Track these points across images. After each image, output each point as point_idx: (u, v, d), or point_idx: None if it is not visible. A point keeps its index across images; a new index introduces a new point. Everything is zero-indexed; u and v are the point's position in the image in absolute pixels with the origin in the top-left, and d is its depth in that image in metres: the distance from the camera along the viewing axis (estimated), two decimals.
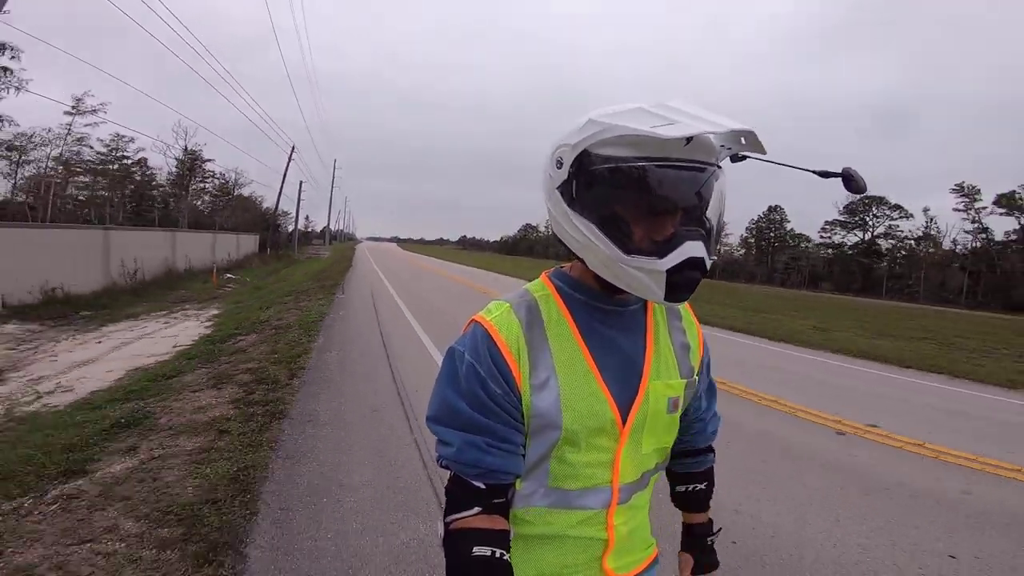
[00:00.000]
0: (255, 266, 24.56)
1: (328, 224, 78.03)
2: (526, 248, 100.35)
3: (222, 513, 2.44)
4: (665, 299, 0.72)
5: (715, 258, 0.76)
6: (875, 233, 43.83)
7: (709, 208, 0.73)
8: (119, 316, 9.81)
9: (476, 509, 0.76)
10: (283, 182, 34.17)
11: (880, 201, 43.30)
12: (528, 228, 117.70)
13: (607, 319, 0.82)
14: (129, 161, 28.25)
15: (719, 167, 0.73)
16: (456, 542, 0.75)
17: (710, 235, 0.74)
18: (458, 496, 0.77)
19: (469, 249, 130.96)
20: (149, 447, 3.17)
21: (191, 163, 32.29)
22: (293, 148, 34.65)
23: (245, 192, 39.27)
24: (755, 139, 0.69)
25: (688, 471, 1.00)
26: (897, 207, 42.91)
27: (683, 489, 1.01)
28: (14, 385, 5.32)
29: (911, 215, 42.31)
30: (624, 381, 0.80)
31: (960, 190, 37.76)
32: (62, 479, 2.74)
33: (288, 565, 2.16)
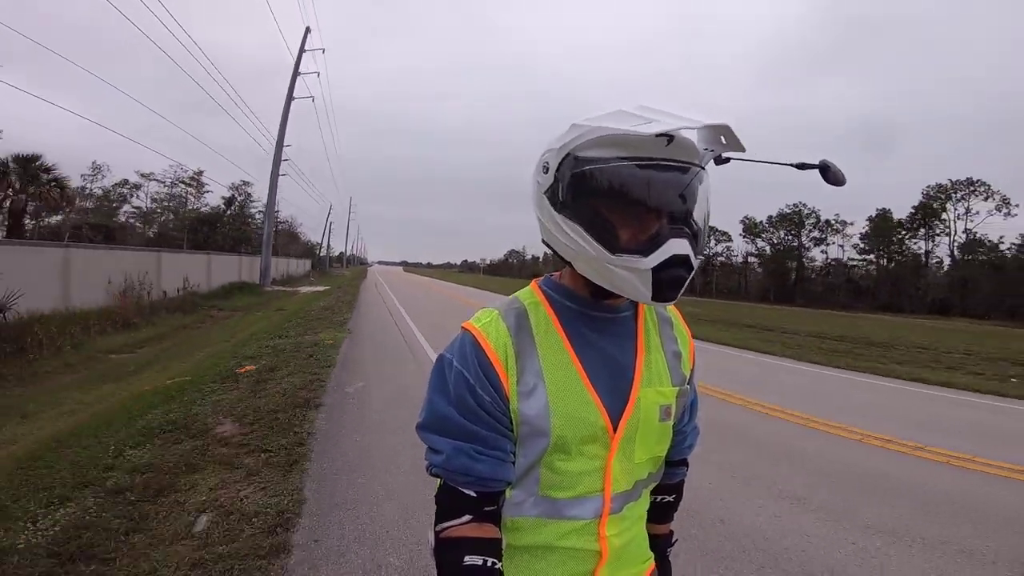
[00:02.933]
0: (314, 276, 46.46)
1: (345, 251, 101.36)
2: (505, 270, 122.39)
3: (347, 307, 24.09)
4: (653, 299, 0.72)
5: (701, 258, 0.76)
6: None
7: (693, 208, 0.74)
8: (298, 286, 31.52)
9: (467, 517, 0.76)
10: (324, 230, 56.64)
11: (713, 230, 65.02)
12: (512, 252, 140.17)
13: (597, 326, 0.82)
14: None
15: (702, 168, 0.74)
16: (447, 551, 0.75)
17: (696, 235, 0.74)
18: (448, 504, 0.77)
19: (467, 272, 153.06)
20: (333, 296, 24.93)
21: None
22: (331, 207, 57.44)
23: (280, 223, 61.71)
24: (733, 136, 0.70)
25: (659, 482, 0.95)
26: (724, 233, 64.25)
27: (652, 499, 0.97)
28: (304, 291, 27.11)
29: (731, 239, 63.61)
30: (614, 388, 0.80)
31: (744, 223, 59.63)
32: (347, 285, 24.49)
33: (363, 313, 23.84)
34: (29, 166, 13.91)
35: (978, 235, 46.41)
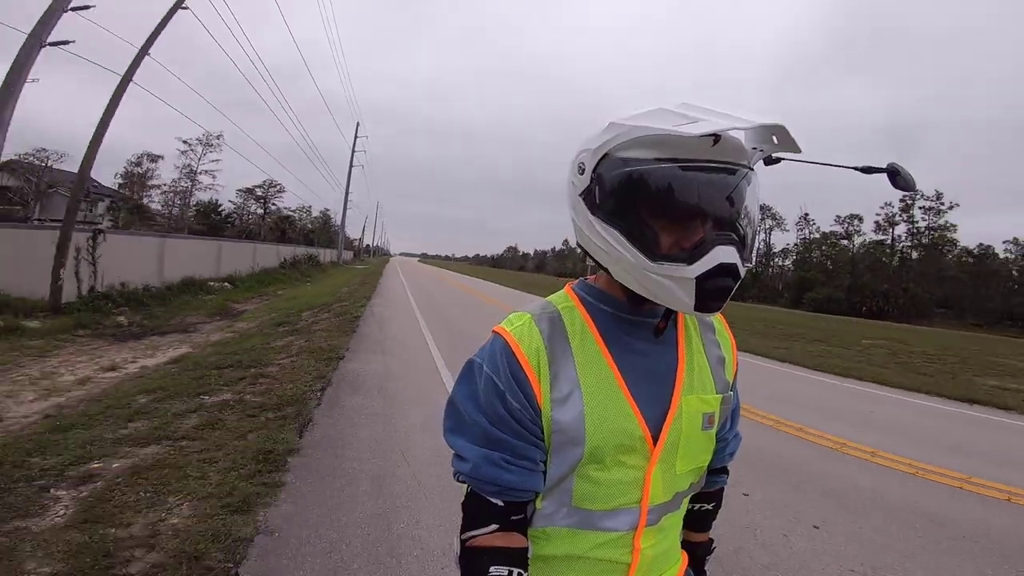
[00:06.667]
0: (356, 262, 75.41)
1: (372, 244, 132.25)
2: (502, 264, 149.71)
3: (382, 267, 52.80)
4: (695, 309, 0.69)
5: (749, 265, 0.72)
6: None
7: (741, 212, 0.71)
8: (352, 264, 60.30)
9: (493, 527, 0.74)
10: (361, 231, 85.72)
11: None
12: (508, 248, 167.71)
13: (635, 331, 0.79)
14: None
15: (751, 169, 0.71)
16: (472, 560, 0.74)
17: (744, 241, 0.71)
18: (475, 513, 0.76)
19: (478, 266, 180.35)
20: (375, 267, 53.81)
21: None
22: (367, 218, 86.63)
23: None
24: (787, 136, 0.67)
25: (699, 490, 0.92)
26: None
27: (690, 507, 0.94)
28: (358, 267, 56.04)
29: None
30: (654, 396, 0.77)
31: None
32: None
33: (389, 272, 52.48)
34: (287, 218, 44.99)
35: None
